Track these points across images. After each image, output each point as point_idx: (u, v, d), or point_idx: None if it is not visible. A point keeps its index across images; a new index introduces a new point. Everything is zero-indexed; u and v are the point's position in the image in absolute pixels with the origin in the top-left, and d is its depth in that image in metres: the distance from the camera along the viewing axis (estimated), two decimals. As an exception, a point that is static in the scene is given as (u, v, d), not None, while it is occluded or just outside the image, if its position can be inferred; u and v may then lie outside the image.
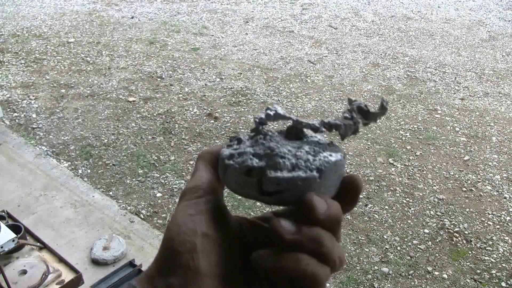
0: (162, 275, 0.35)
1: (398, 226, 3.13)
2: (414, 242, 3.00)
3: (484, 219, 3.20)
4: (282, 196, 0.36)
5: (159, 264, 0.36)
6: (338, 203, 0.36)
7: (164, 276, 0.35)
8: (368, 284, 2.71)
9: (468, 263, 2.85)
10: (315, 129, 0.40)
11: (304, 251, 0.34)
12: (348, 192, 0.38)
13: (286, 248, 0.34)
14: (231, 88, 4.86)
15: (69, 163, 3.63)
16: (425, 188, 3.48)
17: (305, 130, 0.41)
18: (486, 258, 2.90)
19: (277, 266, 0.33)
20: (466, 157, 3.85)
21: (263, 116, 0.41)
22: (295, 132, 0.41)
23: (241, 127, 4.14)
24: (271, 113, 0.41)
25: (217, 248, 0.36)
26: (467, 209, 3.28)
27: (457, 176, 3.62)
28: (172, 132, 4.06)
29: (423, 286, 2.70)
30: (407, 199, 3.37)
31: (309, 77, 5.15)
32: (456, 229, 3.10)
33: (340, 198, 0.37)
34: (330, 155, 0.37)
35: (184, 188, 0.39)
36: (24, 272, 2.07)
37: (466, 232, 3.09)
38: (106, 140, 3.93)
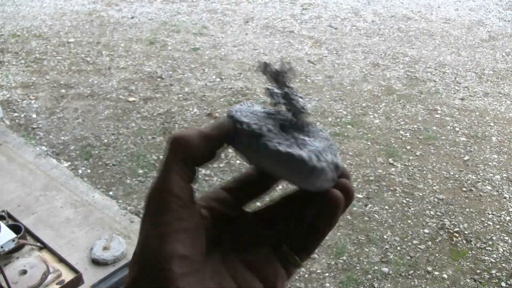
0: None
1: (398, 226, 3.13)
2: (414, 242, 3.00)
3: (484, 219, 3.20)
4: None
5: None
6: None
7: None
8: (368, 284, 2.71)
9: (468, 263, 2.86)
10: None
11: None
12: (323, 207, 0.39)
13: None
14: (231, 88, 4.86)
15: (69, 163, 3.63)
16: (425, 188, 3.48)
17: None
18: (486, 258, 2.90)
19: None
20: (466, 157, 3.85)
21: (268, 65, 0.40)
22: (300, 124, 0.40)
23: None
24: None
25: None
26: (467, 209, 3.28)
27: (457, 176, 3.62)
28: (172, 132, 4.06)
29: (423, 286, 2.70)
30: (407, 199, 3.37)
31: (309, 77, 5.15)
32: (456, 229, 3.10)
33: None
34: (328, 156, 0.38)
35: None
36: (24, 272, 2.07)
37: (466, 232, 3.09)
38: (106, 140, 3.93)
